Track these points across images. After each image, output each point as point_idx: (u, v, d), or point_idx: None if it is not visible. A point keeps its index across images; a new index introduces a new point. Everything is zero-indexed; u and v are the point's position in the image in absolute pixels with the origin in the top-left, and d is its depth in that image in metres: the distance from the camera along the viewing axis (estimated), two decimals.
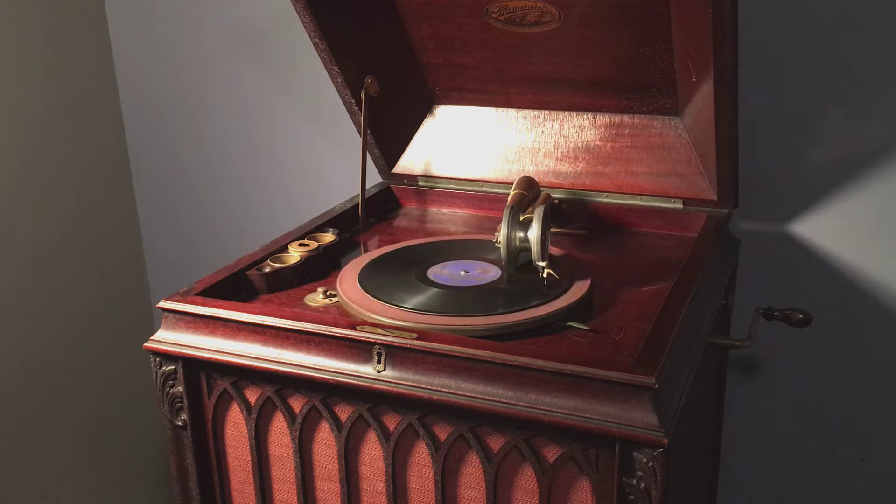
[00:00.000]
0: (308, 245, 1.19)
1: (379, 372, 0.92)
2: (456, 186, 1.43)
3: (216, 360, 0.98)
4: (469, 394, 0.87)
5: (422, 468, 0.95)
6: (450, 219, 1.41)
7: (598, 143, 1.36)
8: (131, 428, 2.00)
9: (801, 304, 1.35)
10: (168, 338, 1.01)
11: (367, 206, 1.37)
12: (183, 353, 1.00)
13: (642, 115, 1.33)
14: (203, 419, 1.04)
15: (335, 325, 0.94)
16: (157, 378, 1.02)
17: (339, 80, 1.34)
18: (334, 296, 1.09)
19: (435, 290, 1.06)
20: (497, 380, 0.87)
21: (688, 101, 1.25)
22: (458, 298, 1.04)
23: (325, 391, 0.96)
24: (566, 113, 1.38)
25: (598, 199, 1.34)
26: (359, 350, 0.93)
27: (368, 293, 1.05)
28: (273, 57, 1.71)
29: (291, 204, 1.78)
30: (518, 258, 1.10)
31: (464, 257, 1.17)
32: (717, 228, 1.22)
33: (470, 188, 1.42)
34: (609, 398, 0.82)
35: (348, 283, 1.09)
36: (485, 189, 1.42)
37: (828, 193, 1.39)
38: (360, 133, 1.35)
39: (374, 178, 1.47)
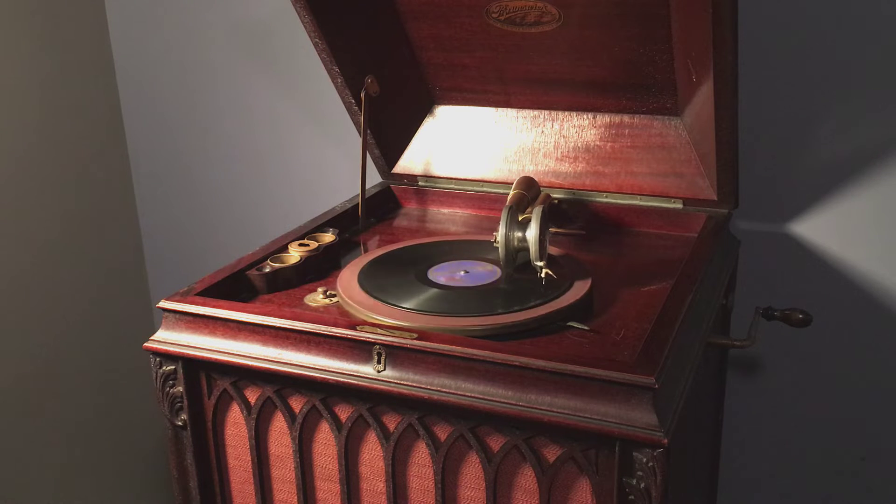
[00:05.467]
0: (308, 245, 1.19)
1: (379, 372, 0.92)
2: (456, 186, 1.43)
3: (216, 360, 0.98)
4: (469, 394, 0.87)
5: (422, 468, 0.95)
6: (450, 219, 1.41)
7: (598, 143, 1.36)
8: (131, 428, 2.00)
9: (801, 304, 1.35)
10: (168, 338, 1.01)
11: (367, 206, 1.37)
12: (183, 353, 1.00)
13: (642, 115, 1.33)
14: (203, 419, 1.04)
15: (335, 325, 0.94)
16: (157, 378, 1.02)
17: (339, 80, 1.34)
18: (334, 296, 1.09)
19: (435, 290, 1.06)
20: (497, 380, 0.87)
21: (688, 101, 1.25)
22: (458, 298, 1.04)
23: (325, 391, 0.96)
24: (566, 113, 1.38)
25: (598, 199, 1.34)
26: (359, 350, 0.93)
27: (368, 293, 1.05)
28: (273, 57, 1.71)
29: (291, 204, 1.78)
30: (516, 258, 1.10)
31: (464, 257, 1.17)
32: (717, 228, 1.22)
33: (470, 188, 1.42)
34: (609, 398, 0.82)
35: (348, 283, 1.09)
36: (485, 189, 1.42)
37: (828, 193, 1.39)
38: (360, 133, 1.35)
39: (374, 178, 1.47)
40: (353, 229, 1.34)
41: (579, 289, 1.05)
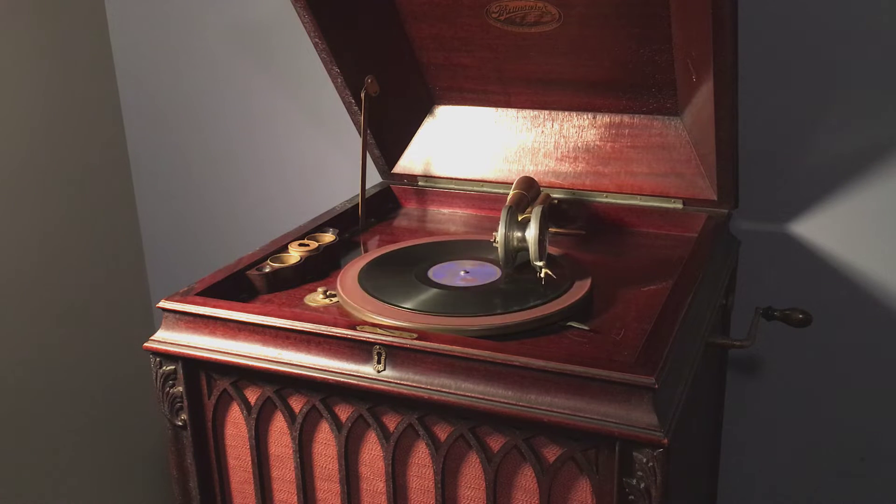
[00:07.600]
0: (308, 245, 1.19)
1: (379, 372, 0.92)
2: (456, 186, 1.43)
3: (216, 360, 0.98)
4: (469, 394, 0.87)
5: (422, 468, 0.95)
6: (450, 219, 1.41)
7: (598, 143, 1.36)
8: (131, 428, 2.00)
9: (801, 304, 1.35)
10: (168, 338, 1.01)
11: (367, 206, 1.37)
12: (183, 353, 1.00)
13: (642, 115, 1.33)
14: (203, 419, 1.04)
15: (335, 325, 0.94)
16: (157, 378, 1.02)
17: (339, 80, 1.34)
18: (334, 296, 1.09)
19: (435, 290, 1.06)
20: (497, 380, 0.87)
21: (688, 101, 1.25)
22: (458, 298, 1.04)
23: (325, 391, 0.96)
24: (566, 113, 1.38)
25: (597, 199, 1.35)
26: (359, 350, 0.93)
27: (368, 293, 1.05)
28: (273, 57, 1.71)
29: (291, 204, 1.78)
30: (516, 258, 1.10)
31: (464, 257, 1.17)
32: (717, 228, 1.22)
33: (470, 188, 1.42)
34: (609, 398, 0.82)
35: (348, 283, 1.09)
36: (485, 189, 1.42)
37: (828, 193, 1.39)
38: (360, 133, 1.35)
39: (374, 178, 1.47)
40: (353, 229, 1.34)
41: (579, 289, 1.05)
